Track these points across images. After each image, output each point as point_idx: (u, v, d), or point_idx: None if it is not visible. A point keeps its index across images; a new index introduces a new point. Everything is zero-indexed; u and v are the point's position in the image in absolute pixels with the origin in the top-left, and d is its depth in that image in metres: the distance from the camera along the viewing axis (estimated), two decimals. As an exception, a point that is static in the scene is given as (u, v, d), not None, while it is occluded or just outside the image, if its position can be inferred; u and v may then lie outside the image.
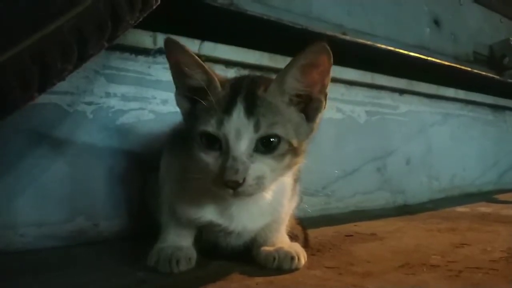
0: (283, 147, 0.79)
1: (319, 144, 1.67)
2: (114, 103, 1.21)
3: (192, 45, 1.31)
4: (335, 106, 1.75)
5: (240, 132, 0.76)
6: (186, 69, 0.81)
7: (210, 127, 0.77)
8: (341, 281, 0.80)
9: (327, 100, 0.85)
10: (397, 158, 1.99)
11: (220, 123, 0.76)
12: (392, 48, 1.79)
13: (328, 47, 0.78)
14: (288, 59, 1.53)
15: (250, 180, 0.76)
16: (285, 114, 0.81)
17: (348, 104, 1.80)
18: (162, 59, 1.30)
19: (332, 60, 0.80)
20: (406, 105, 2.05)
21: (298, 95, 0.83)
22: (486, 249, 1.06)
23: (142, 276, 0.84)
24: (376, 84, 1.88)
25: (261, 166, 0.77)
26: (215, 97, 0.80)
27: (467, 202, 2.04)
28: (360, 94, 1.85)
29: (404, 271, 0.87)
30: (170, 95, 1.29)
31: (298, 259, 0.88)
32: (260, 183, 0.77)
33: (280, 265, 0.87)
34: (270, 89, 0.81)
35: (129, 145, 1.22)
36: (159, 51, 1.28)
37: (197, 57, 0.80)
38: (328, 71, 0.82)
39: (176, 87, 0.86)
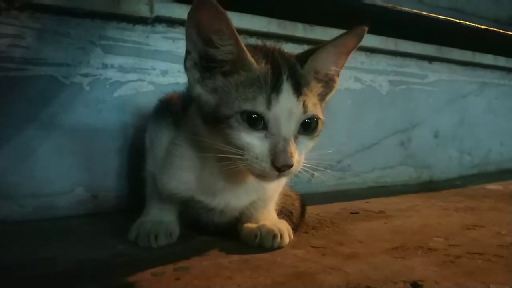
0: (319, 127, 0.76)
1: (334, 116, 1.59)
2: (112, 74, 1.19)
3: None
4: (353, 75, 1.64)
5: (291, 113, 0.71)
6: (216, 37, 0.71)
7: (258, 107, 0.69)
8: (319, 262, 0.75)
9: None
10: (423, 131, 1.86)
11: (269, 103, 0.69)
12: (417, 11, 1.63)
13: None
14: (298, 26, 1.48)
15: (296, 162, 0.72)
16: (316, 94, 0.78)
17: (368, 73, 1.68)
18: (161, 28, 1.26)
19: None
20: (436, 74, 1.89)
21: (325, 75, 0.80)
22: (500, 232, 0.96)
23: (121, 250, 0.83)
24: (400, 51, 1.74)
25: (302, 147, 0.74)
26: (250, 73, 0.72)
27: (502, 179, 1.89)
28: (382, 62, 1.72)
29: (394, 254, 0.80)
30: (170, 66, 1.27)
31: (281, 237, 0.83)
32: (300, 164, 0.74)
33: (261, 243, 0.83)
34: (307, 66, 0.76)
35: (127, 117, 1.20)
36: (157, 20, 1.24)
37: (234, 28, 0.70)
38: (350, 54, 0.80)
39: (188, 52, 0.74)
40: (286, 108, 0.70)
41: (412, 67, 1.81)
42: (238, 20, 1.35)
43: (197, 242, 0.88)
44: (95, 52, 1.16)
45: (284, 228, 0.86)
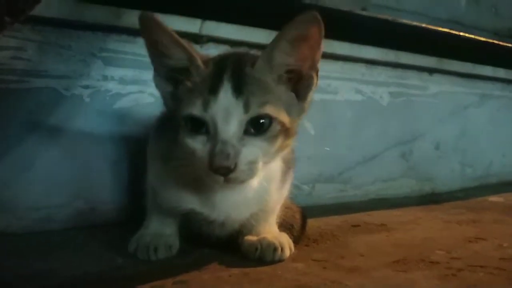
0: (275, 128, 0.72)
1: (335, 128, 1.59)
2: (112, 86, 1.19)
3: (192, 25, 1.27)
4: (354, 87, 1.64)
5: (229, 113, 0.70)
6: (164, 48, 0.75)
7: (195, 110, 0.71)
8: (320, 276, 0.74)
9: (318, 77, 0.79)
10: (425, 143, 1.85)
11: (206, 105, 0.70)
12: (417, 24, 1.64)
13: (319, 17, 0.71)
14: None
15: (241, 165, 0.69)
16: (275, 93, 0.75)
17: (368, 85, 1.68)
18: (162, 40, 1.26)
19: (323, 32, 0.73)
20: (437, 86, 1.89)
21: (288, 71, 0.76)
22: (502, 245, 0.95)
23: (120, 263, 0.82)
24: (401, 63, 1.74)
25: (252, 149, 0.71)
26: (198, 77, 0.74)
27: (504, 191, 1.88)
28: (383, 74, 1.72)
29: (396, 267, 0.79)
30: (171, 78, 1.27)
31: (282, 250, 0.83)
32: (253, 168, 0.71)
33: (262, 256, 0.82)
34: (258, 65, 0.74)
35: (127, 129, 1.20)
36: (158, 32, 1.24)
37: (175, 35, 0.74)
38: (319, 45, 0.75)
39: (154, 68, 0.81)
40: (222, 109, 0.70)
41: (413, 78, 1.81)
42: (239, 32, 1.35)
43: (197, 255, 0.88)
44: (95, 64, 1.17)
45: (285, 241, 0.85)
